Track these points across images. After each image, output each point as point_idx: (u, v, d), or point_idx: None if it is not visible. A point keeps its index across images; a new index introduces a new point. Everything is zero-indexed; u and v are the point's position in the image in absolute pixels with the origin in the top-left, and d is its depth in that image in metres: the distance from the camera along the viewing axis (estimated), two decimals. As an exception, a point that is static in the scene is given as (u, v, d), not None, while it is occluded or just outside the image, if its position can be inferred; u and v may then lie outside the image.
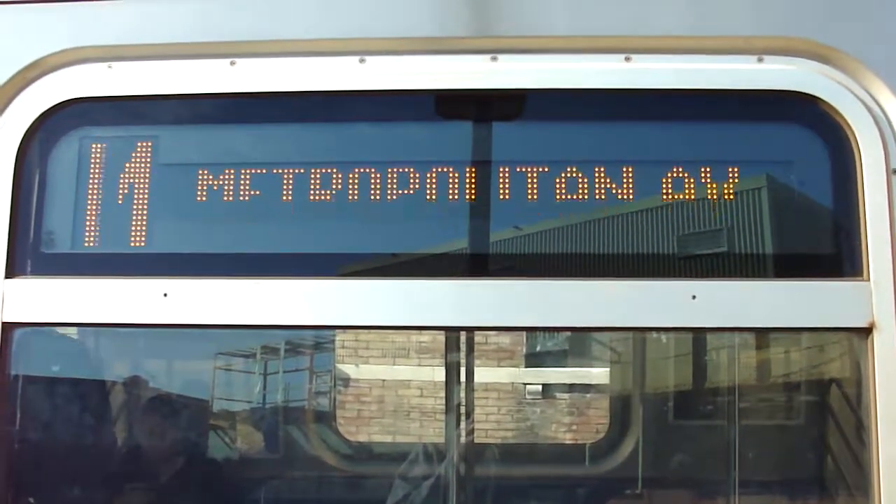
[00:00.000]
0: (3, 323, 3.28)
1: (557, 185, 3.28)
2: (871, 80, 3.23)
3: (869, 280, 3.13)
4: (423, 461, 6.02)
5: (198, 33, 3.40)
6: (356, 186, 3.31)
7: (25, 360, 3.55)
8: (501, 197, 3.29)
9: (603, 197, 3.27)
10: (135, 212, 3.37)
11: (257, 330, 3.53)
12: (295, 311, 3.28)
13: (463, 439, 5.82)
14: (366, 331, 8.59)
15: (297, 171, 3.34)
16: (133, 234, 3.36)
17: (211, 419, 7.04)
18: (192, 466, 5.53)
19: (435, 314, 3.29)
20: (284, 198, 3.33)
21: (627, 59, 3.31)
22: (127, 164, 3.40)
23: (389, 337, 10.06)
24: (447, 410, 5.93)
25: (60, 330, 4.46)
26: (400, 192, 3.30)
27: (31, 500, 3.70)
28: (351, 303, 3.27)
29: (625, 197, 3.26)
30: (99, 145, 3.42)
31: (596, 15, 3.34)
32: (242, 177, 3.35)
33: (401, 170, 3.31)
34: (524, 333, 10.04)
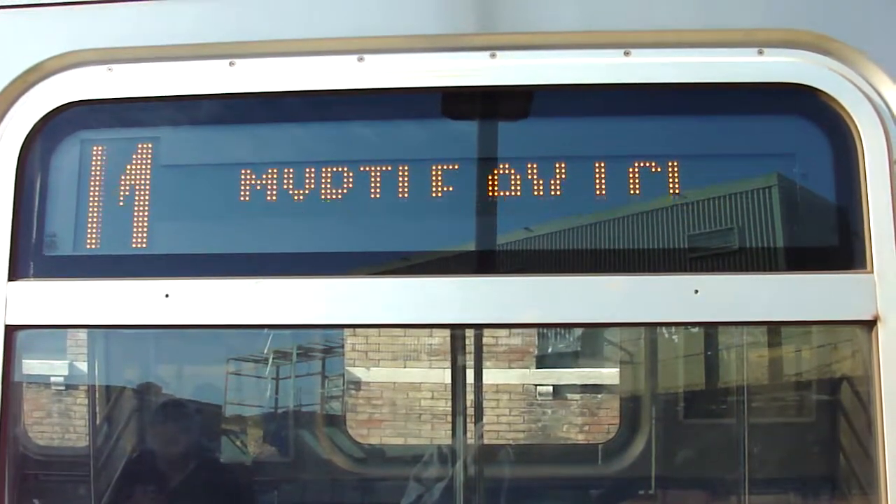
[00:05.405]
0: (6, 326, 3.29)
1: (559, 182, 3.27)
2: (873, 71, 3.21)
3: (873, 272, 3.10)
4: (434, 463, 6.01)
5: (196, 35, 3.41)
6: (356, 185, 3.31)
7: (29, 363, 3.56)
8: (502, 194, 3.28)
9: (604, 193, 3.26)
10: (136, 213, 3.37)
11: (260, 330, 3.52)
12: (298, 311, 3.28)
13: (474, 441, 5.81)
14: (370, 329, 8.57)
15: (297, 170, 3.34)
16: (134, 235, 3.37)
17: (220, 423, 7.04)
18: (199, 470, 5.53)
19: (441, 312, 3.27)
20: (285, 198, 3.33)
21: (627, 53, 3.29)
22: (128, 166, 3.40)
23: (400, 339, 10.05)
24: (458, 412, 5.91)
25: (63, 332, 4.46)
26: (400, 190, 3.29)
27: (36, 501, 3.71)
28: (353, 301, 3.26)
29: (626, 192, 3.24)
30: (100, 148, 3.43)
31: (594, 10, 3.33)
32: (243, 177, 3.35)
33: (401, 168, 3.30)
34: (535, 334, 10.02)
